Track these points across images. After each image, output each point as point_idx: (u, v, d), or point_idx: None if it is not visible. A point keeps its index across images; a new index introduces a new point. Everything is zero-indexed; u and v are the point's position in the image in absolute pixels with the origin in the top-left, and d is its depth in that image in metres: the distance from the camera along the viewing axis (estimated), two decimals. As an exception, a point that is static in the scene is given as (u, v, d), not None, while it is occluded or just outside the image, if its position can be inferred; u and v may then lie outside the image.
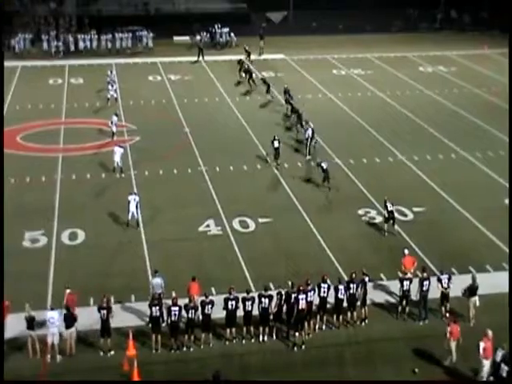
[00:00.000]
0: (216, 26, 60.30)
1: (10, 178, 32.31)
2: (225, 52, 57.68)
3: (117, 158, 33.27)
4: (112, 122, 37.34)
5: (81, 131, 38.86)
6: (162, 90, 46.80)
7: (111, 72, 46.48)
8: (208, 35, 59.69)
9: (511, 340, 20.25)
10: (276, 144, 34.01)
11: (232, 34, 60.26)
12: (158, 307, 21.35)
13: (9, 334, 21.21)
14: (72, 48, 57.37)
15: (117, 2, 66.01)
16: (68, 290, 22.27)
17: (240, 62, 50.19)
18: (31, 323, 20.75)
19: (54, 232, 27.71)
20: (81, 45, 57.82)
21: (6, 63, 52.72)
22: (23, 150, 36.17)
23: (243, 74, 47.94)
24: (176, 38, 60.69)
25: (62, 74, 50.38)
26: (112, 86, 43.67)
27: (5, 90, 45.83)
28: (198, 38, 57.23)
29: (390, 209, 28.09)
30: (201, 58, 54.32)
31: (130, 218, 28.20)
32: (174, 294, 22.12)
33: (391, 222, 28.04)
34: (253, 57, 54.92)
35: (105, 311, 21.06)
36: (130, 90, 46.51)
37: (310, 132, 35.36)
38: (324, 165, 31.87)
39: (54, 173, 33.24)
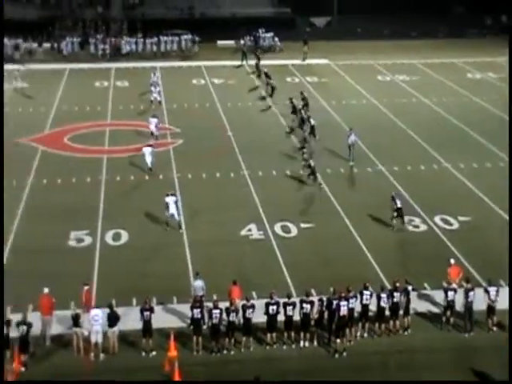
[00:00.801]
0: (260, 31, 60.51)
1: (57, 179, 32.88)
2: (268, 56, 57.75)
3: (148, 159, 33.59)
4: (153, 124, 37.68)
5: (125, 133, 39.29)
6: (205, 94, 47.11)
7: (154, 74, 46.91)
8: (252, 39, 59.93)
9: (511, 344, 20.17)
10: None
11: (276, 39, 60.39)
12: (199, 309, 21.47)
13: (54, 330, 21.59)
14: (125, 51, 58.13)
15: (162, 6, 66.64)
16: (86, 287, 22.51)
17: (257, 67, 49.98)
18: (76, 321, 21.06)
19: (98, 232, 28.07)
20: (126, 48, 58.59)
21: (55, 66, 53.93)
22: (70, 150, 36.72)
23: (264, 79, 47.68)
24: (220, 42, 61.02)
25: (108, 77, 51.04)
26: (155, 87, 44.07)
27: (53, 92, 46.71)
28: (242, 42, 57.58)
29: (398, 205, 27.97)
30: (244, 62, 54.54)
31: (170, 219, 28.41)
32: (215, 297, 22.24)
33: (400, 219, 28.05)
34: (297, 61, 55.05)
35: (148, 312, 21.27)
36: (174, 93, 46.92)
37: (353, 138, 35.20)
38: (312, 162, 32.13)
39: (99, 174, 33.67)
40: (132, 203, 30.65)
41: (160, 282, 24.65)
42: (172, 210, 28.32)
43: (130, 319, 21.76)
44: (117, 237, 27.80)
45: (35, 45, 58.37)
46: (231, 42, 60.02)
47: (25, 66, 53.99)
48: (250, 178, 33.39)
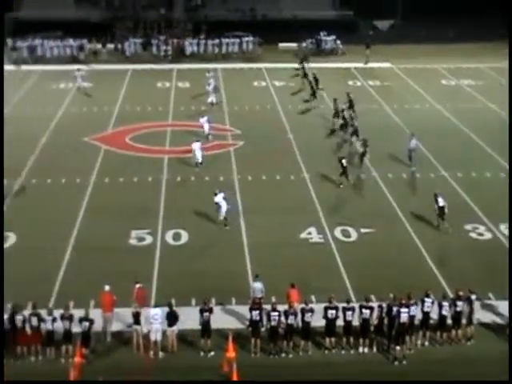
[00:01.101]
0: (321, 34, 60.24)
1: (119, 178, 33.30)
2: (330, 60, 57.47)
3: (198, 154, 34.28)
4: (204, 123, 38.21)
5: (186, 134, 39.50)
6: (266, 96, 47.10)
7: (209, 72, 47.38)
8: (314, 42, 59.68)
9: (511, 350, 19.85)
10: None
11: (338, 42, 60.05)
12: (258, 311, 21.46)
13: (115, 327, 21.90)
14: (187, 52, 58.64)
15: (224, 8, 66.92)
16: (138, 285, 22.64)
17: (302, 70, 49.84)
18: (137, 318, 21.26)
19: (158, 232, 28.30)
20: (188, 49, 59.08)
21: (119, 66, 54.70)
22: (132, 150, 37.15)
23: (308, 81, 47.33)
24: (281, 45, 60.91)
25: (169, 78, 51.49)
26: (209, 85, 44.42)
27: (116, 92, 47.31)
28: (304, 44, 57.42)
29: (440, 204, 27.66)
30: (305, 64, 54.29)
31: (222, 217, 28.67)
32: (273, 299, 22.18)
33: (441, 218, 27.77)
34: (359, 65, 54.66)
35: (207, 313, 21.36)
36: (235, 94, 47.08)
37: (414, 143, 34.73)
38: (344, 162, 32.23)
39: (160, 174, 33.96)
40: (192, 203, 30.78)
41: (219, 282, 24.71)
42: (224, 206, 28.68)
43: (189, 319, 21.85)
44: (177, 236, 27.99)
45: (99, 46, 59.29)
46: (293, 45, 59.80)
47: (89, 66, 54.91)
48: (310, 180, 33.24)
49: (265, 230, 28.48)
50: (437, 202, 28.02)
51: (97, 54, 58.34)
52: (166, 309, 21.52)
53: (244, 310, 22.41)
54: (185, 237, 28.04)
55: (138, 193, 31.91)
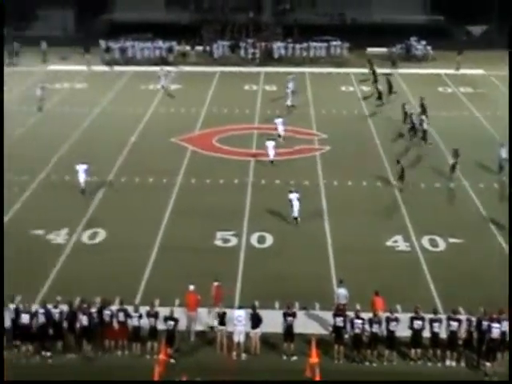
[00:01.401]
0: (412, 39, 59.34)
1: (206, 179, 33.59)
2: (421, 66, 56.51)
3: (270, 152, 35.07)
4: (279, 124, 38.58)
5: (273, 137, 39.48)
6: (353, 101, 46.72)
7: (289, 74, 47.70)
8: (403, 47, 58.84)
9: (511, 344, 19.36)
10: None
11: (428, 48, 58.99)
12: (341, 318, 21.22)
13: (199, 327, 22.07)
14: (275, 56, 58.83)
15: (312, 12, 66.89)
16: (216, 283, 22.71)
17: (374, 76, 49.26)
18: (223, 319, 21.36)
19: (243, 234, 28.39)
20: (276, 53, 59.24)
21: (207, 68, 55.33)
22: (218, 152, 37.43)
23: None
24: (370, 49, 60.30)
25: (257, 81, 51.74)
26: (289, 88, 44.68)
27: (204, 94, 47.79)
28: (394, 49, 56.75)
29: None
30: (393, 69, 53.70)
31: (296, 215, 28.86)
32: (358, 307, 21.88)
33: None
34: (450, 71, 53.60)
35: (290, 317, 21.26)
36: (322, 99, 46.90)
37: (504, 152, 33.80)
38: (402, 164, 32.32)
39: (246, 176, 34.09)
40: (277, 207, 30.73)
41: (303, 286, 24.57)
42: (296, 206, 28.90)
43: (273, 322, 21.75)
44: (262, 239, 28.01)
45: (188, 48, 60.15)
46: (382, 50, 59.11)
47: (178, 67, 55.74)
48: (397, 188, 32.71)
49: (350, 235, 28.19)
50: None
51: (185, 56, 59.24)
52: (250, 311, 21.53)
53: (328, 315, 22.23)
54: (269, 240, 28.03)
55: (223, 194, 32.11)
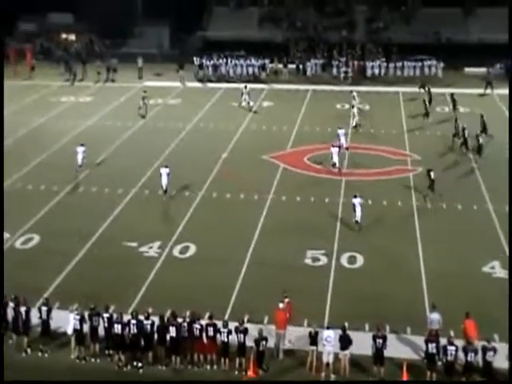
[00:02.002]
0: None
1: (296, 196, 33.51)
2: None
3: (335, 158, 36.75)
4: (342, 135, 39.42)
5: (364, 157, 39.21)
6: (448, 121, 45.66)
7: (351, 92, 48.53)
8: (503, 67, 57.32)
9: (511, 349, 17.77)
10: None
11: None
12: (434, 344, 20.71)
13: (288, 345, 21.94)
14: (367, 74, 58.48)
15: (407, 31, 66.05)
16: (286, 300, 22.59)
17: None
18: (314, 339, 21.16)
19: (334, 253, 28.13)
20: (369, 71, 58.85)
21: (299, 86, 55.41)
22: (309, 170, 37.29)
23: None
24: (467, 69, 58.93)
25: (349, 99, 51.23)
26: (353, 107, 45.39)
27: (296, 111, 47.79)
28: (491, 70, 55.43)
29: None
30: (489, 90, 52.43)
31: (359, 219, 29.80)
32: (451, 333, 21.27)
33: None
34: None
35: (380, 340, 20.91)
36: (415, 119, 46.18)
37: None
38: (432, 174, 33.13)
39: (337, 195, 33.82)
40: (367, 227, 30.42)
41: (394, 309, 24.15)
42: (358, 211, 29.97)
43: (362, 344, 21.42)
44: (352, 259, 27.68)
45: (280, 65, 60.42)
46: (480, 70, 57.70)
47: (270, 85, 56.06)
48: (493, 211, 31.79)
49: (444, 259, 27.52)
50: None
51: (278, 74, 59.51)
52: (340, 331, 21.26)
53: (419, 340, 21.77)
54: (360, 260, 27.68)
55: (314, 213, 31.94)
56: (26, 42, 65.93)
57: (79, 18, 72.85)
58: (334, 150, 37.08)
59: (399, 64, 58.44)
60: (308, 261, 27.63)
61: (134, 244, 28.70)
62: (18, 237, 29.34)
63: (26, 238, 29.27)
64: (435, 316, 22.36)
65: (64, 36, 72.20)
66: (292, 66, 60.54)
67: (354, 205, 30.36)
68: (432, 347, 20.66)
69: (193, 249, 28.49)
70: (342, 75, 58.40)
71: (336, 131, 40.02)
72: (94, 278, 26.04)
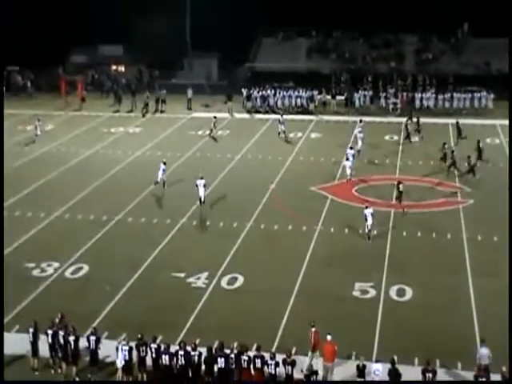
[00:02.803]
0: None
1: (345, 228, 33.35)
2: None
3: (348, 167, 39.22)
4: (349, 155, 40.67)
5: (414, 188, 38.86)
6: (499, 153, 45.18)
7: (360, 121, 49.32)
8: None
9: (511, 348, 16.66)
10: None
11: None
12: (483, 379, 20.22)
13: (335, 377, 21.70)
14: (416, 106, 58.15)
15: (456, 62, 65.70)
16: (313, 329, 22.37)
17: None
18: (362, 372, 20.90)
19: (382, 286, 27.82)
20: (418, 103, 58.55)
21: (347, 118, 55.40)
22: (358, 201, 37.04)
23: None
24: (517, 100, 58.27)
25: (398, 131, 51.08)
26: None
27: (343, 143, 47.65)
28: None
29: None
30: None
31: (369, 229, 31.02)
32: (503, 369, 20.75)
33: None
34: None
35: (430, 374, 20.55)
36: (465, 151, 45.64)
37: None
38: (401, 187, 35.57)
39: (385, 226, 33.53)
40: (417, 259, 30.14)
41: (444, 343, 23.67)
42: (369, 221, 31.49)
43: (411, 378, 21.02)
44: (402, 292, 27.31)
45: (329, 97, 60.57)
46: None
47: (319, 117, 56.18)
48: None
49: (495, 295, 26.90)
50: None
51: (326, 105, 59.62)
52: (389, 365, 20.93)
53: (469, 375, 21.33)
54: (409, 293, 27.29)
55: (362, 244, 31.73)
56: (77, 74, 67.47)
57: (129, 49, 74.40)
58: (347, 164, 39.79)
59: (448, 95, 58.07)
60: (356, 293, 27.35)
61: (182, 275, 28.79)
62: (68, 266, 29.69)
63: (76, 268, 29.60)
64: (484, 351, 21.80)
65: (114, 67, 73.73)
66: (340, 98, 60.59)
67: (365, 215, 31.95)
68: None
69: (240, 280, 28.45)
70: (391, 106, 58.21)
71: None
72: (142, 307, 26.17)
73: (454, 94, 57.99)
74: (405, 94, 59.29)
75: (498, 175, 40.79)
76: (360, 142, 45.40)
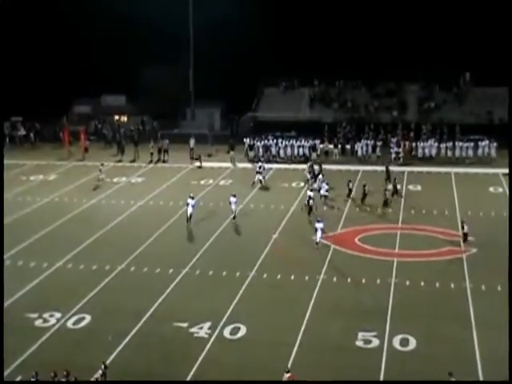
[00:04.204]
0: None
1: (347, 277, 33.21)
2: None
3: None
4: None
5: (416, 238, 38.84)
6: (502, 203, 45.12)
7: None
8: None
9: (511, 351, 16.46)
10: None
11: None
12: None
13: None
14: (419, 155, 58.58)
15: (459, 111, 66.07)
16: (288, 374, 22.53)
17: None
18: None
19: (385, 335, 27.55)
20: (420, 152, 58.80)
21: (349, 167, 55.59)
22: (360, 251, 36.99)
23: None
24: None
25: (400, 180, 51.01)
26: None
27: (346, 192, 47.72)
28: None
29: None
30: None
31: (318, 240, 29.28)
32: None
33: None
34: None
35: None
36: (468, 200, 45.84)
37: None
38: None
39: (389, 276, 33.38)
40: (422, 309, 29.91)
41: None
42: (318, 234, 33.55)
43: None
44: (405, 342, 27.04)
45: (331, 146, 60.89)
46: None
47: (320, 166, 56.31)
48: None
49: (500, 346, 26.45)
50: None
51: (328, 155, 59.88)
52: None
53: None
54: (412, 343, 27.00)
55: (365, 294, 31.53)
56: (80, 124, 68.09)
57: (132, 99, 75.15)
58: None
59: (450, 144, 58.35)
60: (359, 343, 27.08)
61: (185, 324, 28.58)
62: (70, 317, 29.50)
63: (78, 318, 29.41)
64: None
65: (117, 117, 74.39)
66: (343, 147, 60.90)
67: (316, 229, 36.89)
68: None
69: (243, 330, 28.20)
70: (393, 156, 58.39)
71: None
72: (144, 358, 25.94)
73: (457, 143, 58.27)
74: (407, 143, 59.52)
75: (501, 224, 40.71)
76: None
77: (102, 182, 51.58)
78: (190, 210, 41.18)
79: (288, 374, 22.78)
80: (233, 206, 42.17)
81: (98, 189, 50.32)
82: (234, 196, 42.38)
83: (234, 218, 41.91)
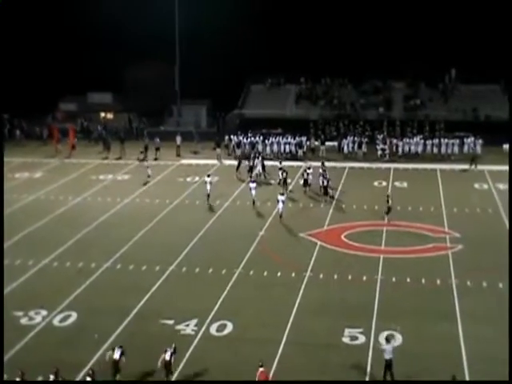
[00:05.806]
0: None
1: (334, 274, 33.25)
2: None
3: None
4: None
5: (403, 234, 38.97)
6: (488, 199, 45.43)
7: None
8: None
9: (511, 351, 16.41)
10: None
11: None
12: None
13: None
14: (405, 152, 58.74)
15: (444, 108, 66.32)
16: (261, 369, 22.58)
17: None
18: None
19: (372, 332, 27.62)
20: (406, 149, 58.97)
21: (336, 164, 55.65)
22: (346, 248, 37.08)
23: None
24: (505, 146, 58.70)
25: (386, 177, 51.41)
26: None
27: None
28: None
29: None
30: None
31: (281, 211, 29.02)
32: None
33: None
34: None
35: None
36: (454, 197, 45.98)
37: None
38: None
39: (375, 273, 33.47)
40: (407, 306, 29.99)
41: (435, 392, 23.49)
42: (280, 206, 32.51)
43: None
44: (391, 338, 27.03)
45: (317, 143, 60.96)
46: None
47: (307, 163, 56.40)
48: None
49: (486, 343, 26.70)
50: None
51: (314, 151, 59.94)
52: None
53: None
54: (399, 339, 27.02)
55: (352, 291, 31.59)
56: (66, 122, 67.70)
57: (118, 97, 74.92)
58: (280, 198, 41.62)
59: (436, 141, 58.58)
60: (346, 339, 27.15)
61: (171, 322, 28.56)
62: (56, 314, 29.41)
63: (64, 316, 29.32)
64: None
65: (103, 115, 74.14)
66: (329, 144, 60.93)
67: (277, 200, 41.13)
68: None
69: (230, 327, 28.21)
70: (379, 153, 58.55)
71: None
72: (130, 356, 25.80)
73: (442, 140, 58.48)
74: (393, 140, 59.69)
75: (487, 220, 40.97)
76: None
77: (150, 178, 51.69)
78: (208, 187, 45.30)
79: (261, 369, 22.84)
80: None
81: (146, 184, 50.55)
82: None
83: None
